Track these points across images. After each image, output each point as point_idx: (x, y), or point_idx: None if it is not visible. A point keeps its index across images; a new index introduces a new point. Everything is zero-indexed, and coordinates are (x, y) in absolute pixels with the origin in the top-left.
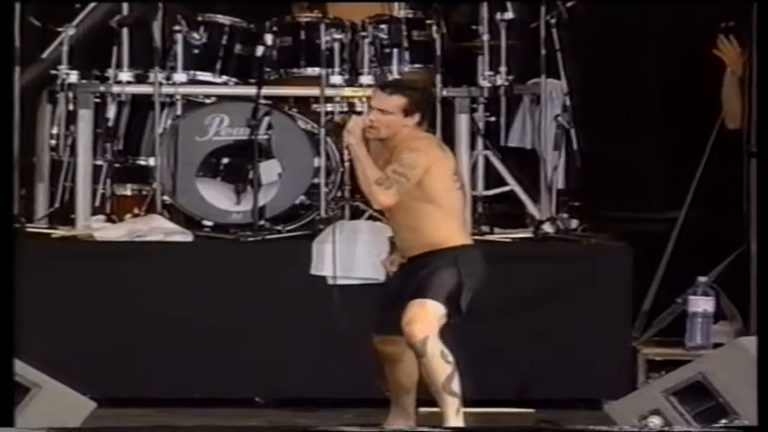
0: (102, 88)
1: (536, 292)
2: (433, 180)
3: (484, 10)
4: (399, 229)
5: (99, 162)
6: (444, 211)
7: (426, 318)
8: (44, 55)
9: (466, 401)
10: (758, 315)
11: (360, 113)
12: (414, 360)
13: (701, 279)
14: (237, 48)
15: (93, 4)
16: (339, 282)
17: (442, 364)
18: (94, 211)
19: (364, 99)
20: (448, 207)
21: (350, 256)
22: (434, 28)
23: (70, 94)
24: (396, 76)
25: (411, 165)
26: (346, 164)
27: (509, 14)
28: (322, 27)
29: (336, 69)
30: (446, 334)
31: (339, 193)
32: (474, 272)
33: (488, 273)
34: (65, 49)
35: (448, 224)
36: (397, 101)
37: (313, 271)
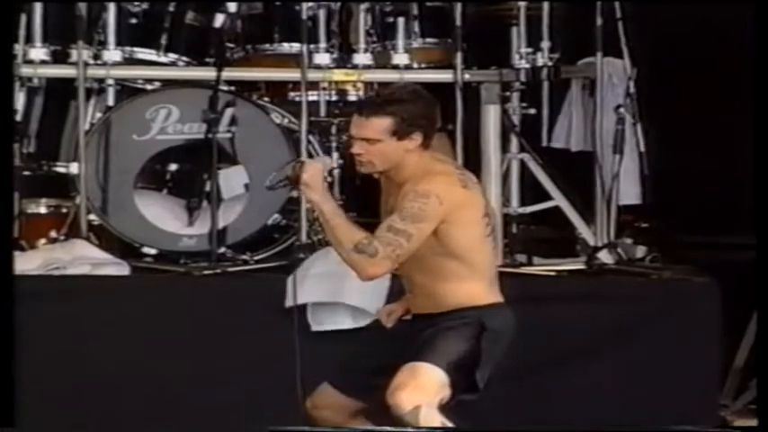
0: None
1: (590, 344)
2: (455, 230)
3: None
4: (411, 286)
5: None
6: (472, 267)
7: (417, 385)
8: None
9: None
10: (758, 315)
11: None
12: None
13: None
14: (189, 16)
15: None
16: (326, 327)
17: None
18: None
19: (359, 85)
20: (475, 262)
21: (336, 287)
22: None
23: None
24: (402, 53)
25: (416, 217)
26: (335, 171)
27: None
28: None
29: (322, 45)
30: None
31: None
32: (501, 339)
33: (515, 338)
34: None
35: (474, 282)
36: (381, 123)
37: (288, 302)
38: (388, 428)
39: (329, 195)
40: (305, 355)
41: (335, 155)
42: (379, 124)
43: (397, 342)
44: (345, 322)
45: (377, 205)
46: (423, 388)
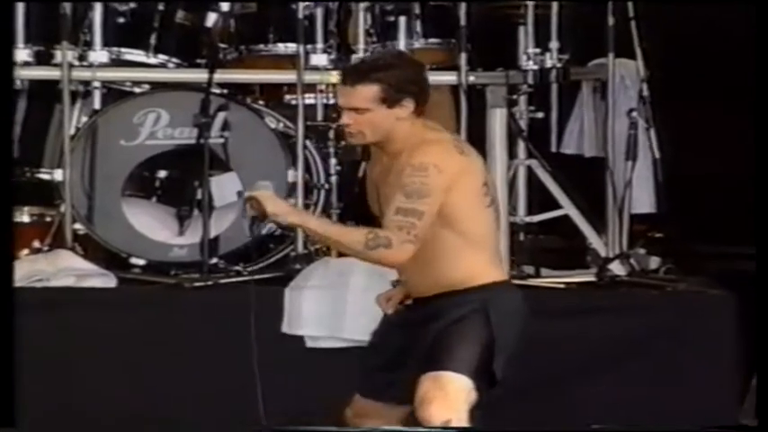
0: None
1: (601, 359)
2: (451, 198)
3: None
4: (405, 265)
5: None
6: (468, 239)
7: (445, 396)
8: None
9: None
10: (757, 313)
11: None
12: None
13: None
14: (180, 15)
15: None
16: (322, 344)
17: None
18: None
19: None
20: (474, 233)
21: (338, 307)
22: None
23: None
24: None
25: (421, 192)
26: (333, 178)
27: None
28: None
29: (319, 46)
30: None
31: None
32: (511, 322)
33: (529, 324)
34: None
35: (474, 256)
36: (368, 91)
37: (286, 328)
38: (388, 428)
39: (303, 211)
40: (308, 365)
41: (333, 161)
42: (367, 92)
43: (408, 333)
44: (343, 342)
45: None
46: (451, 400)
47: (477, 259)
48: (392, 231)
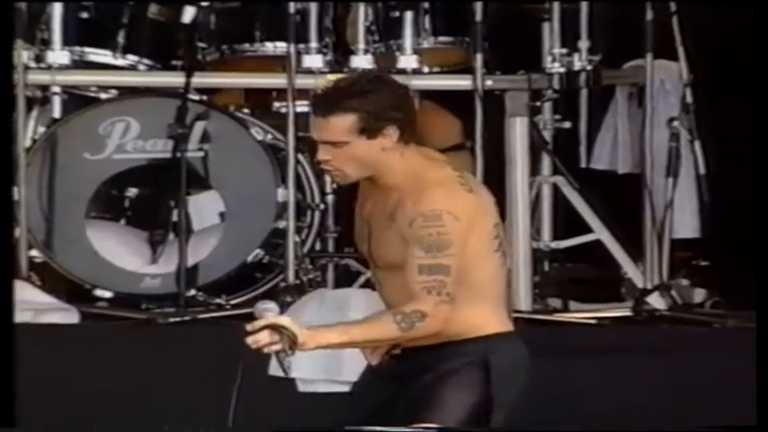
0: None
1: (638, 405)
2: (464, 248)
3: None
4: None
5: None
6: (467, 288)
7: None
8: None
9: None
10: (758, 312)
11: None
12: None
13: None
14: (152, 10)
15: None
16: (317, 388)
17: None
18: None
19: None
20: (476, 282)
21: (333, 357)
22: None
23: None
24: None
25: (441, 245)
26: (329, 197)
27: None
28: None
29: (313, 45)
30: None
31: (318, 245)
32: (513, 379)
33: (530, 378)
34: None
35: (473, 307)
36: (343, 122)
37: (274, 371)
38: (389, 429)
39: (318, 330)
40: (291, 411)
41: (329, 178)
42: (342, 123)
43: (393, 386)
44: (340, 386)
45: None
46: None
47: (477, 309)
48: (420, 298)
